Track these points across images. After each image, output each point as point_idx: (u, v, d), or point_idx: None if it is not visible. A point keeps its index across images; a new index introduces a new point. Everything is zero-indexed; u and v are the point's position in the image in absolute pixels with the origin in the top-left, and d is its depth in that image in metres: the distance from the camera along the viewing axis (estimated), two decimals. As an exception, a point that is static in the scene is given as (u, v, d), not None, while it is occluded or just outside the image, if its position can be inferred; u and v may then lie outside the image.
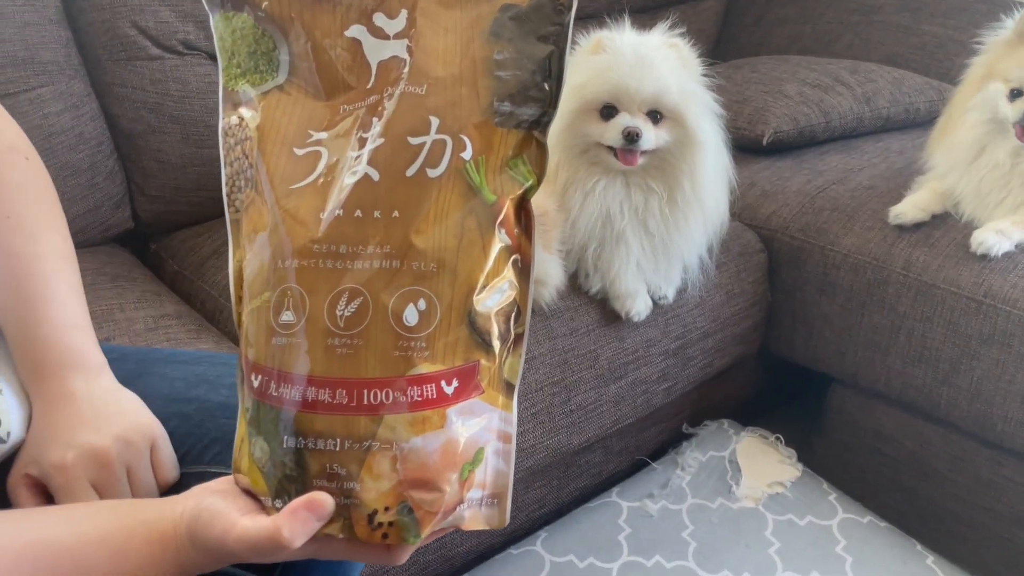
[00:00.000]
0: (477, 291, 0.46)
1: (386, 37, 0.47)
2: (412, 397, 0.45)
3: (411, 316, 0.45)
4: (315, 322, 0.45)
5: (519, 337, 0.48)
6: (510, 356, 0.48)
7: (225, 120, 0.49)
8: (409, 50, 0.47)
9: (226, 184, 0.50)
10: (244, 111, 0.49)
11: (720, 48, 2.14)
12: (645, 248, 1.13)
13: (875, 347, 1.27)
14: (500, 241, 0.47)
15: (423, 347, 0.45)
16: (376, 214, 0.45)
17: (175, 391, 0.70)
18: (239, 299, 0.50)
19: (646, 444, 1.34)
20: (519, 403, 0.50)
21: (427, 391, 0.45)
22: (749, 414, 1.48)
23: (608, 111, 1.05)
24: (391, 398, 0.45)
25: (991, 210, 1.19)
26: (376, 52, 0.47)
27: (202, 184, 1.35)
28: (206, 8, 0.50)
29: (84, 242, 1.30)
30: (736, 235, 1.35)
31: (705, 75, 1.11)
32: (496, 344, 0.47)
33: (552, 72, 0.47)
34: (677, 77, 1.04)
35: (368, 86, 0.47)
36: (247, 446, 0.49)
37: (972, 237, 1.17)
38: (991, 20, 1.25)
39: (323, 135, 0.47)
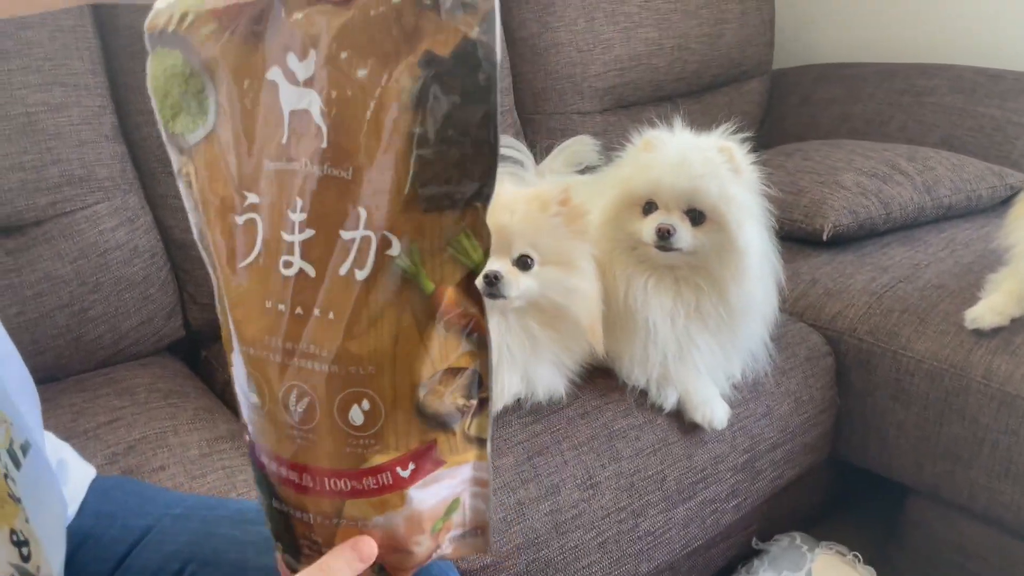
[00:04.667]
0: (421, 385, 0.44)
1: (296, 82, 0.42)
2: (368, 486, 0.45)
3: (356, 416, 0.44)
4: (275, 411, 0.45)
5: (483, 401, 0.46)
6: (476, 418, 0.46)
7: (178, 166, 0.46)
8: (324, 115, 0.41)
9: (197, 233, 0.47)
10: (186, 163, 0.45)
11: (765, 129, 2.12)
12: (713, 348, 1.12)
13: (956, 459, 1.20)
14: (443, 330, 0.43)
15: (372, 443, 0.44)
16: (316, 313, 0.43)
17: (246, 558, 0.67)
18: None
19: (714, 561, 1.28)
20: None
21: (383, 479, 0.45)
22: (820, 522, 1.41)
23: (648, 208, 1.05)
24: (349, 486, 0.45)
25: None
26: (289, 99, 0.42)
27: (254, 293, 1.33)
28: (147, 46, 0.45)
29: (136, 354, 1.29)
30: (801, 338, 1.30)
31: (754, 163, 1.09)
32: (454, 420, 0.45)
33: (487, 137, 0.40)
34: (717, 179, 1.02)
35: (282, 140, 0.42)
36: None
37: None
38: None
39: (255, 198, 0.43)
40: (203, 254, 0.47)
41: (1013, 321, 1.19)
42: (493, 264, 0.96)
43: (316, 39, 0.40)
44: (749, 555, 1.30)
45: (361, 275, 0.42)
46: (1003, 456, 1.15)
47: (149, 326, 1.29)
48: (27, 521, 0.54)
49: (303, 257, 0.42)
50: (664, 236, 1.02)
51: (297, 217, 0.42)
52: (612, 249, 1.09)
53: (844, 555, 1.26)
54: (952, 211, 1.57)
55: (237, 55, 0.42)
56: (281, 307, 0.43)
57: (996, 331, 1.19)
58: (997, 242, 1.28)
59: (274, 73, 0.42)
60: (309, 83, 0.41)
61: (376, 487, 0.44)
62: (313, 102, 0.41)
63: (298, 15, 0.41)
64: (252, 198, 0.43)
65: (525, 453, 1.02)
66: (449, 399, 0.44)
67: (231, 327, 0.45)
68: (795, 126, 2.05)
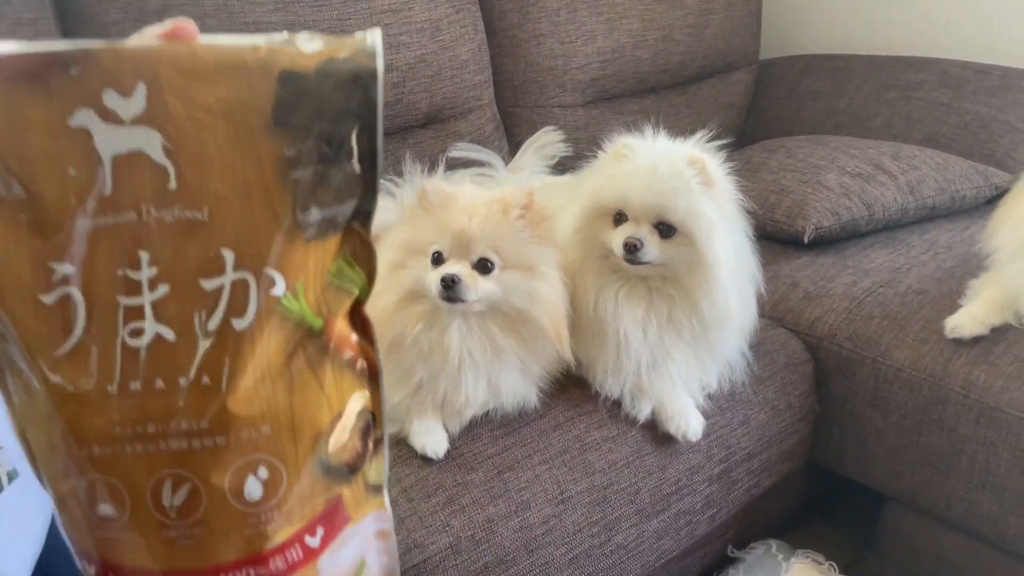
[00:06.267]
0: (323, 435, 0.39)
1: (120, 122, 0.35)
2: (278, 568, 0.39)
3: (254, 489, 0.38)
4: (141, 514, 0.37)
5: (378, 442, 0.42)
6: (373, 463, 0.42)
7: None
8: (169, 153, 0.35)
9: None
10: None
11: (751, 121, 2.10)
12: (688, 358, 1.10)
13: (934, 469, 1.19)
14: (337, 367, 0.40)
15: (276, 517, 0.38)
16: (182, 381, 0.37)
17: None
18: (33, 459, 0.40)
19: (688, 570, 1.27)
20: None
21: (292, 555, 0.39)
22: (796, 529, 1.40)
23: (619, 218, 1.03)
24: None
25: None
26: (109, 143, 0.35)
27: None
28: None
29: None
30: (780, 344, 1.29)
31: (732, 170, 1.06)
32: (357, 468, 0.41)
33: (364, 151, 0.37)
34: (686, 194, 0.99)
35: (106, 192, 0.36)
36: None
37: None
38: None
39: (69, 268, 0.36)
40: None
41: (993, 330, 1.17)
42: (451, 267, 0.93)
43: (145, 71, 0.35)
44: (724, 563, 1.29)
45: (240, 324, 0.36)
46: (981, 467, 1.14)
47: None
48: None
49: (158, 319, 0.36)
50: (631, 250, 1.00)
51: (145, 274, 0.36)
52: (584, 258, 1.06)
53: (820, 563, 1.25)
54: (936, 211, 1.55)
55: (20, 108, 0.35)
56: (134, 385, 0.37)
57: (976, 340, 1.17)
58: (980, 245, 1.26)
59: (82, 117, 0.35)
60: (140, 120, 0.35)
61: (286, 567, 0.39)
62: (151, 140, 0.35)
63: (113, 55, 0.35)
64: (65, 268, 0.36)
65: (495, 468, 1.00)
66: (351, 445, 0.40)
67: (58, 436, 0.38)
68: (780, 119, 2.02)
